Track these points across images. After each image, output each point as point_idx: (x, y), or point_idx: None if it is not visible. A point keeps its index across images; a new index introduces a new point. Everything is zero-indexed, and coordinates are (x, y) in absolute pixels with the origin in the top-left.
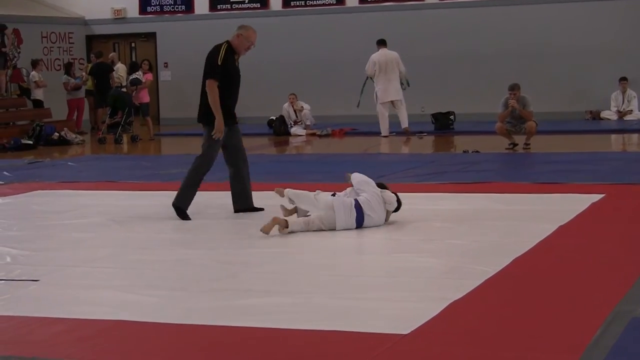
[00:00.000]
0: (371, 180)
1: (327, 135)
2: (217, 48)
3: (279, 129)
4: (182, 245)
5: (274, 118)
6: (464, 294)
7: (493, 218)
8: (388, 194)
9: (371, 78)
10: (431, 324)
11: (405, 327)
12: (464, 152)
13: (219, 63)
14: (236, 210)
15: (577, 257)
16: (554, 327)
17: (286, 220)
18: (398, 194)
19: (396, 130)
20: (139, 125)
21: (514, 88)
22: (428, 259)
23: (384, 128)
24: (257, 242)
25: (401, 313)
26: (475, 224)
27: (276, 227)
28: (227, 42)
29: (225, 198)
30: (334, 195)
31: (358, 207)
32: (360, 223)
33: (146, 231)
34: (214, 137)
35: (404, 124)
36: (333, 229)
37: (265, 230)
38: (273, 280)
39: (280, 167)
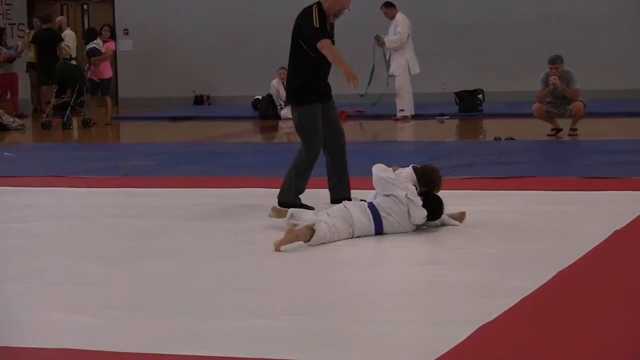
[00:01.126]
0: (393, 176)
1: None
2: (307, 11)
3: (266, 111)
4: (147, 255)
5: (260, 98)
6: (496, 316)
7: (532, 221)
8: (416, 203)
9: (386, 50)
10: (455, 353)
11: (423, 357)
12: (496, 139)
13: (317, 26)
14: (332, 201)
15: (636, 269)
16: None
17: (312, 230)
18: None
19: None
20: (95, 107)
21: (556, 61)
22: (452, 272)
23: (410, 106)
24: (245, 251)
25: (419, 340)
26: (509, 228)
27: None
28: (318, 3)
29: (216, 197)
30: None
31: (372, 208)
32: (379, 228)
33: (102, 238)
34: (349, 83)
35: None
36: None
37: (277, 247)
38: (261, 298)
39: (268, 159)
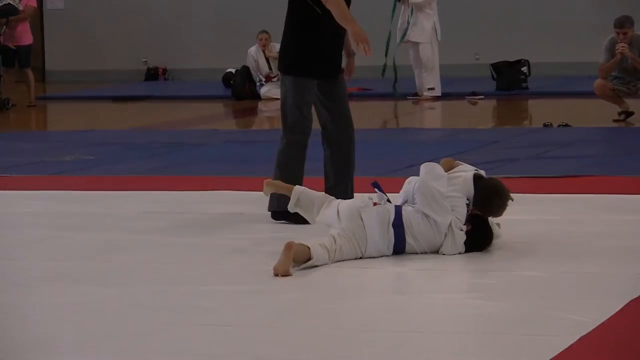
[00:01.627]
0: (444, 188)
1: None
2: None
3: (241, 88)
4: (89, 281)
5: (234, 71)
6: None
7: (594, 234)
8: (456, 238)
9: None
10: None
11: None
12: (545, 126)
13: None
14: None
15: None
16: None
17: (308, 248)
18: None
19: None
20: (12, 83)
21: (624, 24)
22: (490, 302)
23: (438, 82)
24: (216, 274)
25: None
26: (564, 243)
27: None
28: None
29: (177, 202)
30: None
31: (398, 225)
32: (399, 248)
33: (28, 257)
34: (357, 48)
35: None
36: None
37: (282, 271)
38: (233, 338)
39: (245, 151)
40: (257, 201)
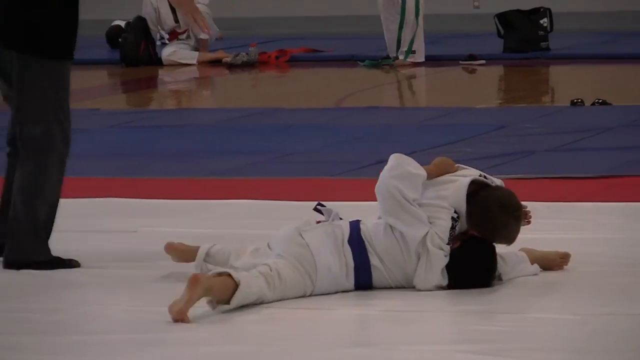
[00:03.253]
0: (418, 182)
1: (248, 65)
2: None
3: (134, 49)
4: None
5: (124, 25)
6: None
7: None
8: (433, 259)
9: None
10: None
11: None
12: (574, 103)
13: None
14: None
15: None
16: None
17: (233, 281)
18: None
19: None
20: None
21: None
22: (491, 357)
23: (421, 41)
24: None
25: None
26: (604, 273)
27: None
28: None
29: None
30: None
31: (356, 241)
32: (364, 282)
33: None
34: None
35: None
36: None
37: (178, 315)
38: None
39: (140, 140)
40: (157, 212)
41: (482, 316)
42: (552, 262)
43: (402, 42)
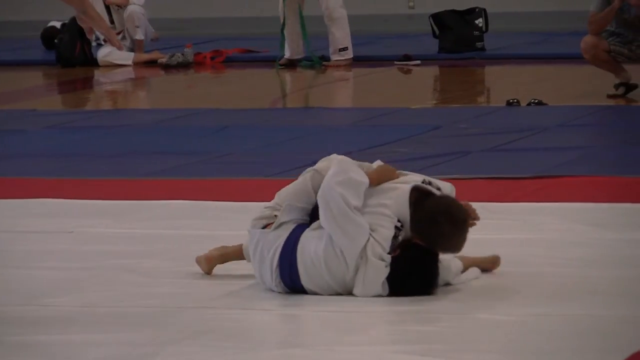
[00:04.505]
0: (361, 181)
1: (184, 65)
2: None
3: (70, 50)
4: None
5: (60, 26)
6: None
7: (579, 261)
8: (373, 269)
9: None
10: None
11: None
12: (510, 103)
13: None
14: None
15: None
16: None
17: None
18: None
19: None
20: None
21: None
22: (429, 357)
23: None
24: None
25: None
26: (538, 274)
27: None
28: None
29: None
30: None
31: (287, 247)
32: (291, 282)
33: None
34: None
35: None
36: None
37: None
38: None
39: (76, 141)
40: (93, 212)
41: (418, 317)
42: (483, 266)
43: (331, 41)
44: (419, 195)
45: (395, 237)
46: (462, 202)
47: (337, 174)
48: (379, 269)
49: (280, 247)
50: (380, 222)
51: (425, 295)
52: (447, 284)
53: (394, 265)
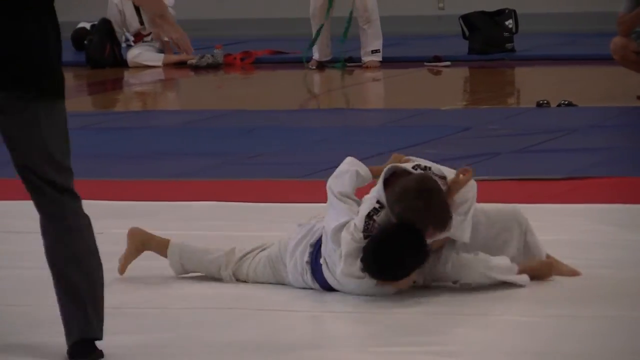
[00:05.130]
0: (340, 186)
1: (213, 66)
2: None
3: (99, 51)
4: None
5: (89, 27)
6: None
7: (608, 262)
8: (344, 249)
9: None
10: None
11: None
12: (540, 105)
13: None
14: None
15: None
16: None
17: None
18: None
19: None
20: None
21: None
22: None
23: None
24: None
25: None
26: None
27: None
28: None
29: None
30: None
31: (316, 247)
32: (322, 281)
33: None
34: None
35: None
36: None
37: (120, 270)
38: None
39: (105, 142)
40: (123, 214)
41: (435, 318)
42: (534, 275)
43: (364, 42)
44: (392, 176)
45: (369, 215)
46: (460, 170)
47: (337, 170)
48: (345, 242)
49: (308, 244)
50: (363, 206)
51: (398, 276)
52: (484, 281)
53: (367, 243)
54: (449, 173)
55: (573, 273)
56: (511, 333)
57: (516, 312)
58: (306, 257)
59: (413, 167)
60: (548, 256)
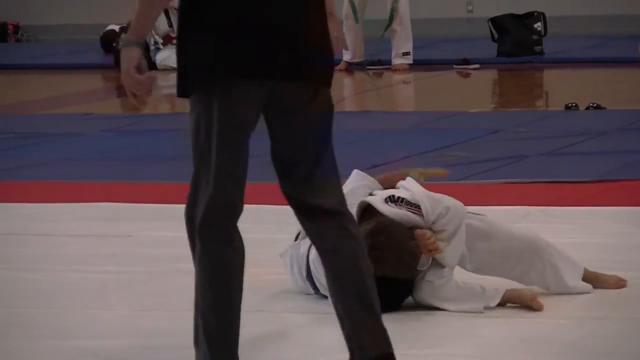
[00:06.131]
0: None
1: None
2: None
3: None
4: None
5: (118, 29)
6: None
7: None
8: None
9: None
10: None
11: None
12: (569, 107)
13: None
14: None
15: None
16: None
17: None
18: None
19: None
20: None
21: None
22: None
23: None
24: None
25: None
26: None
27: None
28: None
29: (39, 220)
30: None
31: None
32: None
33: None
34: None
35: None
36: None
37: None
38: None
39: (134, 145)
40: (152, 216)
41: (477, 317)
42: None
43: (395, 44)
44: (365, 211)
45: None
46: (418, 232)
47: (349, 181)
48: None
49: (304, 256)
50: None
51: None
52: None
53: None
54: (428, 200)
55: (619, 284)
56: (528, 335)
57: (557, 315)
58: (304, 273)
59: (385, 200)
60: (587, 271)
